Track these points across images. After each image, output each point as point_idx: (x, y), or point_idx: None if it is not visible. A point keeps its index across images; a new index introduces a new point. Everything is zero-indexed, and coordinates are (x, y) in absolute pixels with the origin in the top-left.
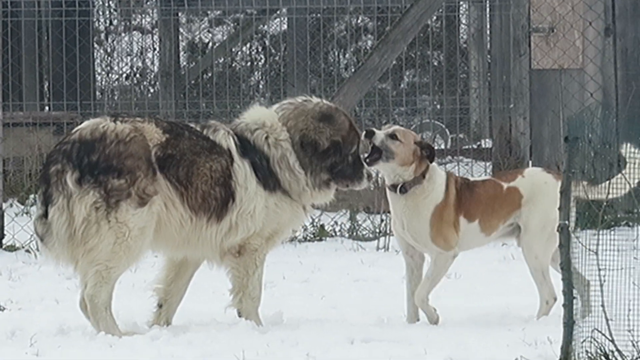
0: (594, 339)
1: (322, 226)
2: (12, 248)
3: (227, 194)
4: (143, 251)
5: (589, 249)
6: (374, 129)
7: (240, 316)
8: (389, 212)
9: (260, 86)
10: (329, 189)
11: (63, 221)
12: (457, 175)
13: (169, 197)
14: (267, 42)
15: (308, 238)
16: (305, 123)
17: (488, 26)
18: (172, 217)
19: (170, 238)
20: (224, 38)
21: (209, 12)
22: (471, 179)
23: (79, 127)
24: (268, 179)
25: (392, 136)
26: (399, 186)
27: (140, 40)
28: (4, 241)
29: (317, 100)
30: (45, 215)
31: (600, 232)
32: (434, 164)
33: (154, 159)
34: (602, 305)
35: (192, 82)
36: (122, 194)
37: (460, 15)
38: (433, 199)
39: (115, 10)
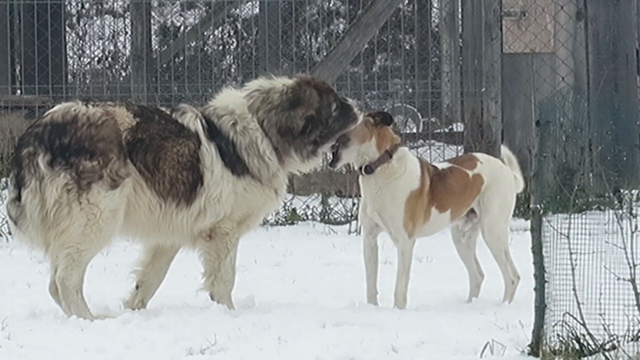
0: (566, 323)
1: (294, 210)
2: None
3: (195, 178)
4: (114, 234)
5: (561, 233)
6: None
7: (212, 299)
8: (360, 195)
9: (232, 70)
10: (316, 156)
11: (36, 204)
12: (427, 162)
13: (137, 182)
14: (239, 26)
15: (280, 222)
16: (277, 116)
17: (460, 10)
18: (140, 201)
19: (140, 224)
20: (196, 21)
21: None
22: (437, 165)
23: (51, 110)
24: (235, 164)
25: None
26: (364, 166)
27: (112, 23)
28: None
29: (281, 85)
30: (18, 198)
31: (572, 216)
32: (404, 147)
33: (124, 143)
34: (574, 289)
35: (164, 65)
36: (93, 176)
37: None
38: (408, 184)
39: None
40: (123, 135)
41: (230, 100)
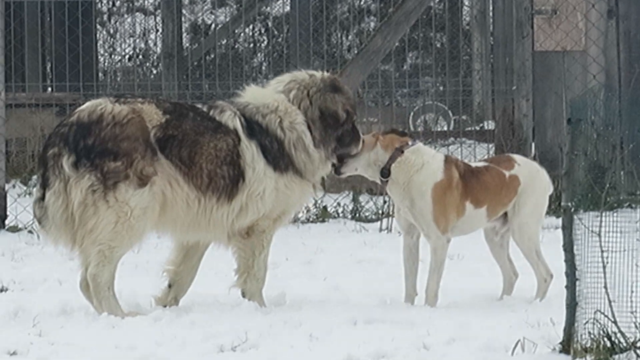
0: (597, 321)
1: (325, 207)
2: (14, 229)
3: (236, 174)
4: (146, 231)
5: (592, 231)
6: None
7: (244, 297)
8: None
9: (263, 68)
10: (332, 158)
11: (59, 205)
12: (457, 158)
13: (172, 177)
14: (269, 24)
15: (311, 219)
16: (321, 98)
17: (491, 8)
18: (177, 197)
19: (178, 219)
20: (227, 19)
21: None
22: (471, 163)
23: (79, 108)
24: (279, 160)
25: None
26: (380, 171)
27: (143, 21)
28: (6, 222)
29: (319, 73)
30: (43, 198)
31: (603, 213)
32: (418, 143)
33: (153, 140)
34: (605, 287)
35: (195, 63)
36: (119, 176)
37: None
38: (430, 176)
39: None
40: (152, 132)
41: (270, 96)
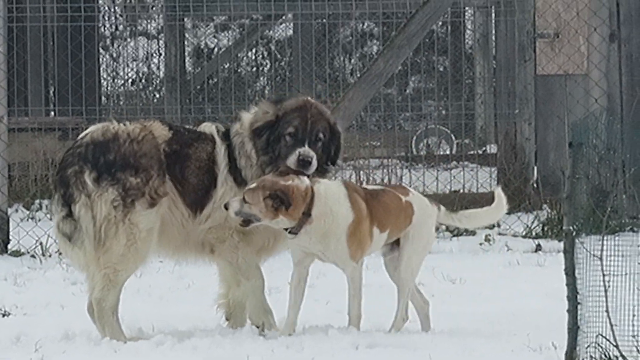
0: (599, 345)
1: None
2: (17, 253)
3: (209, 182)
4: (150, 253)
5: (594, 255)
6: (228, 201)
7: (227, 320)
8: None
9: (266, 91)
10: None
11: (90, 217)
12: (354, 184)
13: (172, 198)
14: (272, 48)
15: None
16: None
17: (493, 32)
18: (174, 217)
19: (172, 239)
20: (230, 43)
21: (214, 17)
22: (367, 187)
23: (88, 130)
24: (235, 170)
25: (244, 200)
26: (288, 231)
27: (145, 45)
28: (9, 246)
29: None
30: (69, 214)
31: (605, 237)
32: (319, 185)
33: (163, 158)
34: (607, 311)
35: (198, 87)
36: (137, 193)
37: (466, 21)
38: (342, 221)
39: (120, 15)
40: (162, 148)
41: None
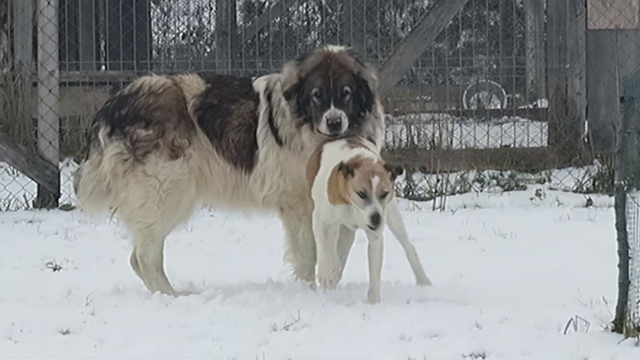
0: None
1: None
2: (68, 207)
3: (251, 141)
4: (182, 206)
5: None
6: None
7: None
8: (444, 171)
9: (317, 46)
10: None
11: (93, 176)
12: None
13: (208, 150)
14: (323, 2)
15: None
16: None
17: None
18: (214, 170)
19: (221, 193)
20: None
21: None
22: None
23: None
24: (275, 129)
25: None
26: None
27: None
28: (60, 200)
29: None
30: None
31: None
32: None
33: (191, 111)
34: None
35: (249, 41)
36: (149, 145)
37: None
38: None
39: None
40: (191, 102)
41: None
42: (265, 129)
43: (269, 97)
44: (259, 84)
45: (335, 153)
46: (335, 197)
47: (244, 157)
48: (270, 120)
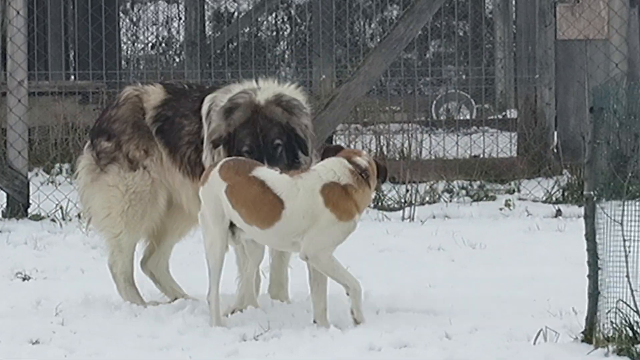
0: (619, 310)
1: None
2: (37, 217)
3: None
4: (148, 216)
5: (614, 220)
6: None
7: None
8: (414, 182)
9: (286, 56)
10: None
11: (79, 187)
12: None
13: (167, 163)
14: (292, 12)
15: None
16: None
17: None
18: (173, 182)
19: (183, 203)
20: (250, 7)
21: None
22: None
23: None
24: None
25: None
26: None
27: (165, 9)
28: (29, 210)
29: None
30: None
31: (625, 202)
32: None
33: (149, 122)
34: (627, 276)
35: (218, 51)
36: (109, 157)
37: None
38: None
39: None
40: (149, 113)
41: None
42: (206, 150)
43: (209, 122)
44: (205, 104)
45: (289, 183)
46: (346, 213)
47: (197, 173)
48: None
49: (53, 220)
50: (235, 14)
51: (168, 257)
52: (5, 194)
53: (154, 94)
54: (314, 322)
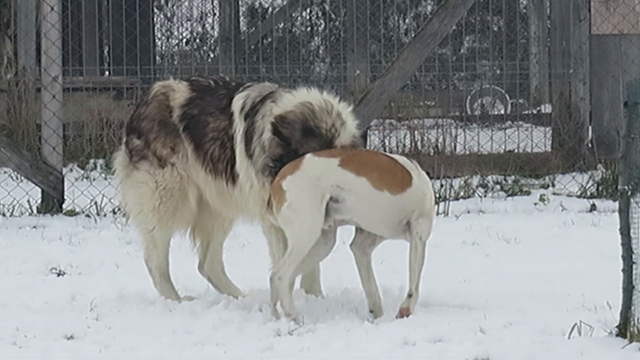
0: None
1: None
2: (72, 213)
3: (229, 156)
4: (180, 213)
5: None
6: None
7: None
8: (448, 177)
9: (320, 51)
10: None
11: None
12: None
13: (193, 161)
14: (327, 7)
15: None
16: None
17: None
18: (200, 180)
19: (212, 202)
20: (284, 3)
21: None
22: None
23: None
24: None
25: None
26: None
27: (200, 5)
28: (64, 206)
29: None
30: None
31: None
32: None
33: (176, 120)
34: None
35: (252, 47)
36: (139, 154)
37: None
38: None
39: None
40: (176, 112)
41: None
42: (241, 147)
43: (245, 117)
44: (237, 102)
45: (409, 160)
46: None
47: (219, 170)
48: (247, 142)
49: (88, 215)
50: (270, 9)
51: (221, 257)
52: (40, 190)
53: (180, 92)
54: (370, 311)
